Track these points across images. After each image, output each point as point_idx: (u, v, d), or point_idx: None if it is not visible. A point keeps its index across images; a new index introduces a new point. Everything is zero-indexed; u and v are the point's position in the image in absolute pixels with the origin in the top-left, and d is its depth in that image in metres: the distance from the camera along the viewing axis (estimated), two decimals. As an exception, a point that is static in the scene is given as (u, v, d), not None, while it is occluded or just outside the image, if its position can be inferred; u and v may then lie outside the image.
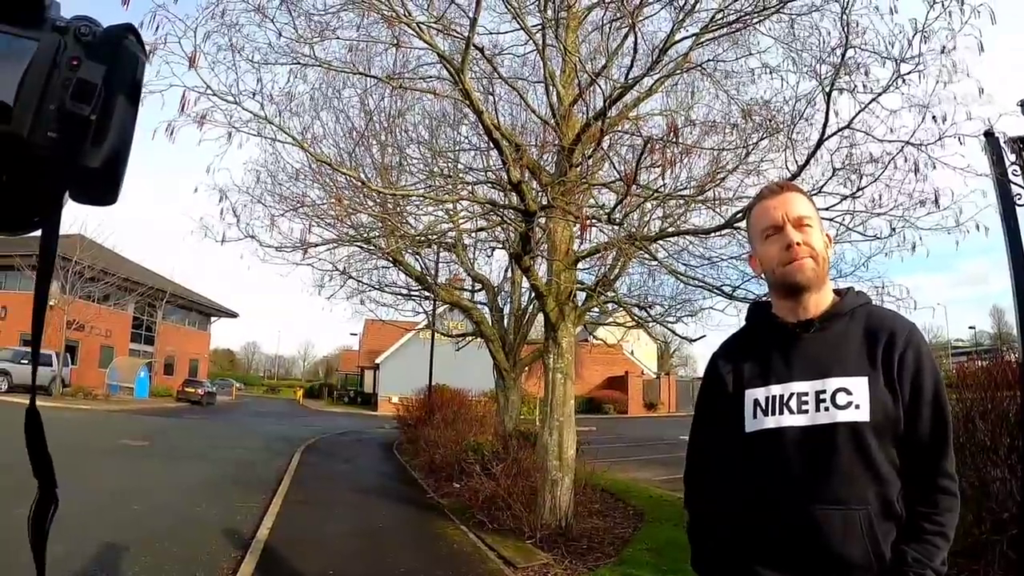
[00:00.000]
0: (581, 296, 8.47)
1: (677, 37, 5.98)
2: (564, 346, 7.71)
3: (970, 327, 58.97)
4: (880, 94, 5.49)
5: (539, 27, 6.55)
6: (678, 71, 6.76)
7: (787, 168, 6.41)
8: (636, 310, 10.07)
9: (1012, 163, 4.70)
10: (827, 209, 6.23)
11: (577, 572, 6.21)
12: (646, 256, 7.76)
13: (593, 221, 6.96)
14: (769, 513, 1.57)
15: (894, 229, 6.36)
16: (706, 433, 1.80)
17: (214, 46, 5.77)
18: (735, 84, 7.83)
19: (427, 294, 13.57)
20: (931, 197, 5.97)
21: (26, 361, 24.08)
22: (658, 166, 6.84)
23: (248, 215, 9.49)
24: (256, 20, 6.00)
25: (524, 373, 13.60)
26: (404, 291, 14.11)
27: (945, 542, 1.48)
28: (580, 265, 8.64)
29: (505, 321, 12.99)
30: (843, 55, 5.47)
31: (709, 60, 7.38)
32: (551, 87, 6.89)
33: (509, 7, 6.20)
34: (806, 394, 1.56)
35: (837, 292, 1.71)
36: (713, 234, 7.16)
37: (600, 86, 6.12)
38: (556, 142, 7.15)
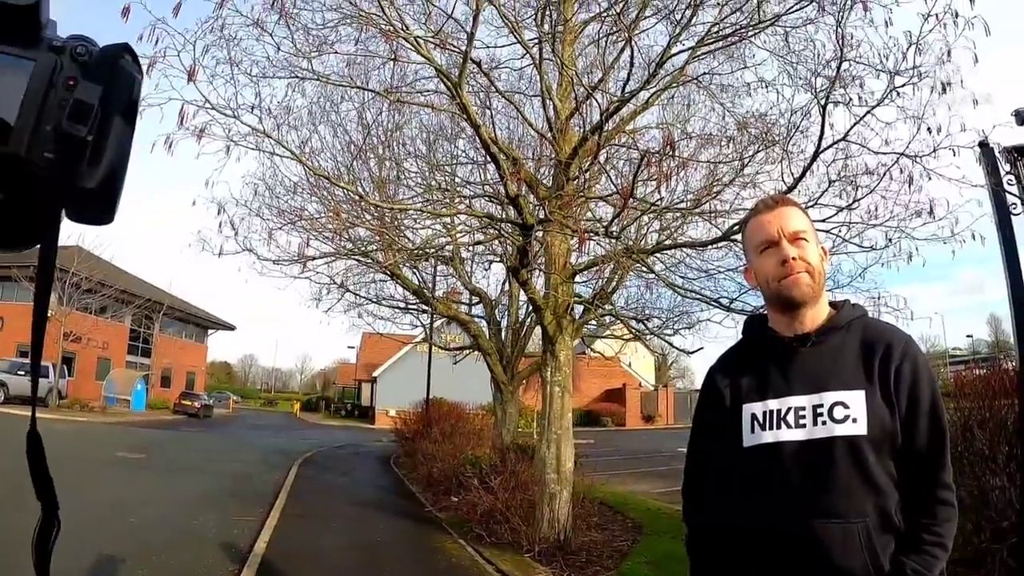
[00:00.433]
0: (579, 309, 8.47)
1: (673, 51, 6.03)
2: (562, 359, 7.70)
3: (967, 336, 58.98)
4: (875, 106, 5.53)
5: (536, 41, 6.59)
6: (674, 84, 6.79)
7: (783, 180, 6.43)
8: (633, 323, 10.06)
9: (1007, 173, 4.74)
10: (823, 221, 6.25)
11: (576, 586, 6.18)
12: (643, 269, 7.77)
13: (590, 234, 6.97)
14: (768, 527, 1.56)
15: (890, 240, 6.39)
16: (704, 447, 1.80)
17: (213, 60, 5.83)
18: (731, 97, 7.89)
19: (425, 307, 13.57)
20: (927, 208, 6.01)
21: (23, 372, 23.97)
22: (655, 179, 6.88)
23: (246, 228, 9.55)
24: (255, 34, 6.06)
25: (522, 386, 13.58)
26: (402, 304, 14.14)
27: (944, 552, 1.48)
28: (577, 278, 8.65)
29: (503, 334, 12.97)
30: (838, 68, 5.50)
31: (705, 73, 7.43)
32: (548, 101, 6.93)
33: (506, 21, 6.24)
34: (803, 408, 1.56)
35: (833, 305, 1.71)
36: (710, 246, 7.18)
37: (597, 99, 6.14)
38: (553, 156, 7.18)
